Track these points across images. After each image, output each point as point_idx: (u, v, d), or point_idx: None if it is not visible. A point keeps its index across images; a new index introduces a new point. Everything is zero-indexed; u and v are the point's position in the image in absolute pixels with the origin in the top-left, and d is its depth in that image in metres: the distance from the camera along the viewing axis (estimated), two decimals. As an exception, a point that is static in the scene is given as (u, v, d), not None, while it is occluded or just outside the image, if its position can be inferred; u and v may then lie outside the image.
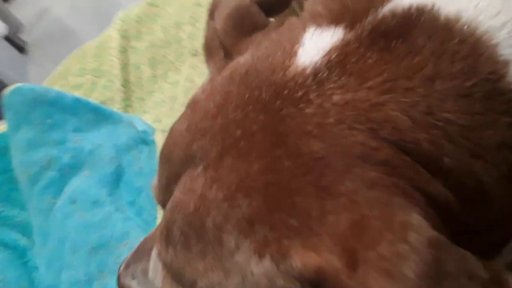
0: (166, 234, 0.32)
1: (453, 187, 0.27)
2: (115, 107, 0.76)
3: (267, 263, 0.27)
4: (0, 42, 1.59)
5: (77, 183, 0.69)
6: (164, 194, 0.36)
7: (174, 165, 0.34)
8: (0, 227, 0.69)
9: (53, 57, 1.26)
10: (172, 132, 0.36)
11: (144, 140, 0.71)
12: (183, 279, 0.32)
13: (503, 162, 0.27)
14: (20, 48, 1.61)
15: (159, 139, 0.70)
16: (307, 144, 0.27)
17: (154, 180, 0.39)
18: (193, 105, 0.34)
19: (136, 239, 0.61)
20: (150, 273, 0.36)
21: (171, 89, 0.75)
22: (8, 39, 1.59)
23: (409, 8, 0.29)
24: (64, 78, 0.79)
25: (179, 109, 0.77)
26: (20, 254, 0.66)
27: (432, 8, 0.28)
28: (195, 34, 0.77)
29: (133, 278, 0.42)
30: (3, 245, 0.68)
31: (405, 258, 0.23)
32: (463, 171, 0.27)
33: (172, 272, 0.32)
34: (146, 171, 0.68)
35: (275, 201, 0.27)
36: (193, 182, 0.31)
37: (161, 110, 0.74)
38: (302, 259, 0.26)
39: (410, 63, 0.27)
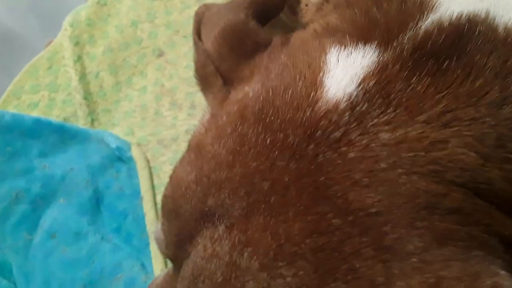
0: None
1: None
2: (80, 123, 0.69)
3: None
4: None
5: (53, 215, 0.63)
6: (174, 250, 0.31)
7: (184, 223, 0.29)
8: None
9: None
10: (176, 182, 0.31)
11: (119, 157, 0.65)
12: None
13: None
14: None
15: (136, 154, 0.65)
16: (359, 197, 0.23)
17: (157, 232, 0.34)
18: (197, 149, 0.29)
19: (130, 271, 0.57)
20: None
21: (139, 97, 0.69)
22: None
23: (459, 19, 0.24)
24: (17, 97, 0.72)
25: (152, 118, 0.72)
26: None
27: (487, 18, 0.24)
28: (155, 32, 0.70)
29: None
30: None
31: None
32: None
33: None
34: (128, 192, 0.63)
35: (328, 268, 0.23)
36: (216, 245, 0.27)
37: (132, 121, 0.68)
38: None
39: (471, 88, 0.23)
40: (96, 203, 0.63)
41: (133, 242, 0.59)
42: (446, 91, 0.23)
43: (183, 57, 0.67)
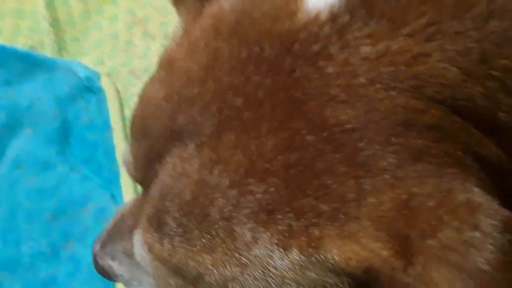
0: (158, 224, 0.27)
1: (507, 146, 0.23)
2: (47, 52, 0.67)
3: (294, 256, 0.23)
4: None
5: (19, 145, 0.61)
6: (141, 172, 0.30)
7: (154, 142, 0.28)
8: None
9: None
10: (145, 100, 0.29)
11: (89, 87, 0.63)
12: (184, 273, 0.27)
13: None
14: None
15: (106, 85, 0.63)
16: (334, 113, 0.22)
17: (126, 154, 0.33)
18: (168, 65, 0.28)
19: (100, 201, 0.56)
20: (139, 259, 0.31)
21: (110, 26, 0.66)
22: None
23: None
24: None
25: (123, 48, 0.69)
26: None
27: None
28: (128, -43, 0.67)
29: (113, 259, 0.38)
30: None
31: (477, 248, 0.19)
32: None
33: (170, 266, 0.28)
34: (98, 123, 0.61)
35: (299, 184, 0.23)
36: (186, 164, 0.26)
37: (102, 51, 0.66)
38: (341, 252, 0.22)
39: (458, 0, 0.22)
40: (64, 134, 0.62)
41: (104, 173, 0.58)
42: (431, 2, 0.22)
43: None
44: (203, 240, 0.25)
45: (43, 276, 0.52)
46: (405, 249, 0.21)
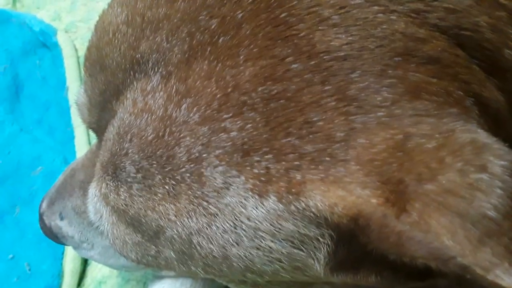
0: (114, 170, 0.24)
1: (507, 89, 0.21)
2: (0, 4, 0.61)
3: (270, 204, 0.21)
4: None
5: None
6: (96, 114, 0.27)
7: (111, 75, 0.25)
8: None
9: None
10: (102, 27, 0.26)
11: (43, 43, 0.59)
12: (143, 227, 0.24)
13: None
14: None
15: (63, 41, 0.58)
16: (325, 38, 0.20)
17: (79, 96, 0.29)
18: None
19: (51, 164, 0.52)
20: (92, 216, 0.27)
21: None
22: None
23: None
24: None
25: (83, 3, 0.64)
26: None
27: None
28: None
29: (61, 219, 0.34)
30: None
31: (484, 192, 0.17)
32: None
33: (127, 218, 0.25)
34: (52, 81, 0.57)
35: (281, 121, 0.20)
36: (148, 98, 0.23)
37: (59, 5, 0.62)
38: (324, 198, 0.19)
39: None
40: (15, 92, 0.57)
41: (56, 135, 0.54)
42: None
43: None
44: (166, 186, 0.22)
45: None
46: (398, 196, 0.18)
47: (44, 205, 0.35)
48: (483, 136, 0.18)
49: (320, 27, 0.20)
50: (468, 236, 0.17)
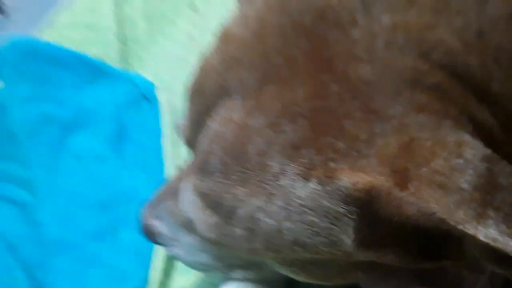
0: (204, 165, 0.33)
1: (498, 114, 0.28)
2: (112, 63, 0.75)
3: (313, 185, 0.28)
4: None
5: (79, 140, 0.68)
6: (194, 131, 0.36)
7: (206, 98, 0.34)
8: (4, 183, 0.68)
9: (34, 20, 1.22)
10: (202, 66, 0.36)
11: (145, 96, 0.71)
12: (220, 207, 0.32)
13: None
14: (1, 10, 1.56)
15: (161, 95, 0.70)
16: (355, 69, 0.28)
17: (180, 122, 0.39)
18: (224, 37, 0.34)
19: (145, 194, 0.61)
20: (182, 206, 0.36)
21: (169, 45, 0.74)
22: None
23: None
24: (59, 31, 0.77)
25: (179, 66, 0.77)
26: (26, 210, 0.66)
27: None
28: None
29: (157, 219, 0.43)
30: (9, 201, 0.67)
31: (460, 171, 0.24)
32: (509, 98, 0.28)
33: (209, 201, 0.33)
34: (150, 127, 0.68)
35: (322, 125, 0.28)
36: (231, 112, 0.32)
37: (160, 67, 0.74)
38: (350, 179, 0.27)
39: None
40: (119, 135, 0.68)
41: (150, 172, 0.64)
42: None
43: (216, 12, 0.72)
44: (239, 174, 0.31)
45: (89, 253, 0.58)
46: (402, 178, 0.26)
47: (144, 209, 0.44)
48: (467, 137, 0.26)
49: (353, 62, 0.28)
50: (447, 202, 0.24)
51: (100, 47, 0.76)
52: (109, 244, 0.57)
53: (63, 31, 0.79)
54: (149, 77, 0.72)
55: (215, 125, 0.32)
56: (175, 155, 0.63)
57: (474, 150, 0.25)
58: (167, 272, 0.54)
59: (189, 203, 0.35)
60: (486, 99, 0.28)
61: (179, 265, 0.54)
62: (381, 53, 0.28)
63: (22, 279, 0.60)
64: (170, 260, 0.54)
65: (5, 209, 0.67)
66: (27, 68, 0.72)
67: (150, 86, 0.71)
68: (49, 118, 0.70)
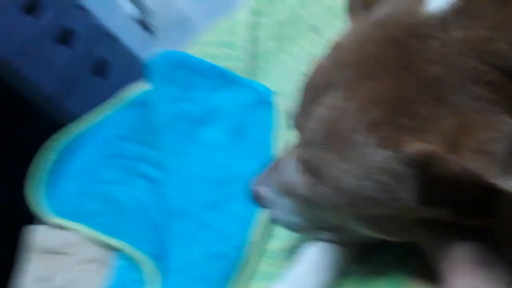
0: (308, 140, 0.43)
1: None
2: (242, 75, 0.87)
3: (388, 153, 0.36)
4: (134, 24, 1.81)
5: (206, 133, 0.81)
6: (303, 117, 0.46)
7: (316, 90, 0.44)
8: (143, 164, 0.83)
9: (176, 40, 1.42)
10: (316, 67, 0.46)
11: (265, 101, 0.82)
12: (317, 170, 0.42)
13: None
14: (150, 30, 1.82)
15: (278, 101, 0.81)
16: (430, 68, 0.36)
17: (290, 109, 0.49)
18: (337, 46, 0.44)
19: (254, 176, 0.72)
20: (287, 172, 0.46)
21: (293, 62, 0.85)
22: (140, 22, 1.80)
23: None
24: (203, 48, 0.93)
25: (297, 77, 0.87)
26: (157, 185, 0.80)
27: None
28: (317, 13, 0.87)
29: (264, 186, 0.53)
30: (144, 177, 0.82)
31: (497, 141, 0.31)
32: None
33: (309, 166, 0.42)
34: (265, 126, 0.79)
35: (399, 109, 0.36)
36: (333, 100, 0.41)
37: (281, 79, 0.84)
38: (415, 147, 0.35)
39: None
40: (241, 132, 0.80)
41: (261, 160, 0.74)
42: (500, 10, 0.34)
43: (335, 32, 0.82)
44: (334, 145, 0.40)
45: (203, 220, 0.70)
46: (455, 147, 0.33)
47: (255, 180, 0.55)
48: (507, 119, 0.32)
49: (429, 63, 0.36)
50: (484, 162, 0.31)
51: (233, 61, 0.89)
52: (219, 213, 0.68)
53: (205, 47, 0.94)
54: (270, 86, 0.84)
55: (320, 109, 0.42)
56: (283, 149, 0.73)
57: (509, 125, 0.31)
58: (264, 236, 0.63)
59: (293, 169, 0.45)
60: None
61: (275, 232, 0.64)
62: (451, 57, 0.35)
63: (146, 236, 0.74)
64: (268, 227, 0.64)
65: (140, 183, 0.82)
66: (172, 74, 0.87)
67: (269, 92, 0.82)
68: (185, 114, 0.84)
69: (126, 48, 1.65)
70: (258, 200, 0.54)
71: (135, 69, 1.15)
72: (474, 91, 0.34)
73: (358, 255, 0.53)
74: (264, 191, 0.53)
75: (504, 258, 0.37)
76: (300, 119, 0.47)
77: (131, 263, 0.72)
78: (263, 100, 0.83)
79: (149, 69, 0.89)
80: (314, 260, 0.52)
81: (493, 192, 0.32)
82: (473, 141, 0.32)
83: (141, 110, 0.90)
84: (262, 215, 0.65)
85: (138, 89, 0.92)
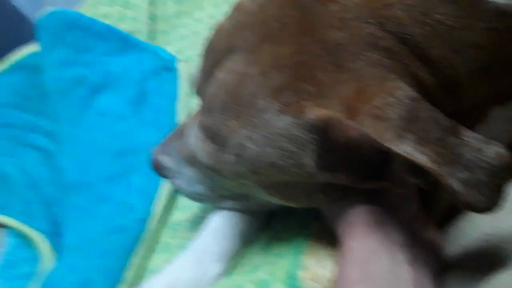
0: (208, 106, 0.41)
1: (436, 74, 0.36)
2: (141, 38, 0.83)
3: (288, 118, 0.36)
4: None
5: (105, 101, 0.77)
6: (204, 82, 0.44)
7: (217, 53, 0.42)
8: (34, 133, 0.77)
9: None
10: (217, 29, 0.44)
11: (167, 67, 0.79)
12: (218, 137, 0.40)
13: (474, 58, 0.36)
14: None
15: (181, 67, 0.78)
16: (331, 33, 0.36)
17: (194, 73, 0.47)
18: (238, 7, 0.43)
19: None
20: (188, 140, 0.44)
21: (195, 25, 0.82)
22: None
23: None
24: (95, 7, 0.86)
25: (201, 42, 0.85)
26: (50, 156, 0.74)
27: None
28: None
29: (165, 155, 0.51)
30: (36, 148, 0.76)
31: (392, 106, 0.32)
32: (445, 61, 0.36)
33: (210, 133, 0.41)
34: (169, 94, 0.76)
35: (300, 74, 0.36)
36: (235, 64, 0.40)
37: (183, 43, 0.82)
38: (315, 113, 0.35)
39: None
40: (142, 99, 0.76)
41: (163, 130, 0.72)
42: None
43: None
44: (234, 110, 0.39)
45: (102, 192, 0.66)
46: (352, 113, 0.33)
47: (156, 148, 0.52)
48: (402, 84, 0.33)
49: (329, 28, 0.36)
50: (379, 127, 0.31)
51: (131, 23, 0.84)
52: (120, 185, 0.65)
53: (98, 7, 0.87)
54: (172, 51, 0.80)
55: (221, 74, 0.40)
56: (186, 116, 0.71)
57: (404, 92, 0.32)
58: (167, 208, 0.62)
59: (194, 137, 0.43)
60: (426, 61, 0.36)
61: (178, 203, 0.62)
62: (350, 22, 0.35)
63: (38, 211, 0.69)
64: (171, 199, 0.62)
65: (31, 154, 0.76)
66: (63, 36, 0.80)
67: (172, 58, 0.79)
68: (79, 80, 0.78)
69: (13, 7, 1.51)
70: (159, 170, 0.52)
71: (24, 31, 1.05)
72: (371, 57, 0.35)
73: (262, 223, 0.53)
74: (166, 160, 0.51)
75: (397, 220, 0.39)
76: (201, 85, 0.45)
77: (23, 241, 0.66)
78: (165, 66, 0.79)
79: (38, 30, 0.81)
80: (218, 229, 0.51)
81: (388, 156, 0.33)
82: (370, 107, 0.32)
83: (29, 74, 0.82)
84: (165, 186, 0.63)
85: (26, 51, 0.84)
